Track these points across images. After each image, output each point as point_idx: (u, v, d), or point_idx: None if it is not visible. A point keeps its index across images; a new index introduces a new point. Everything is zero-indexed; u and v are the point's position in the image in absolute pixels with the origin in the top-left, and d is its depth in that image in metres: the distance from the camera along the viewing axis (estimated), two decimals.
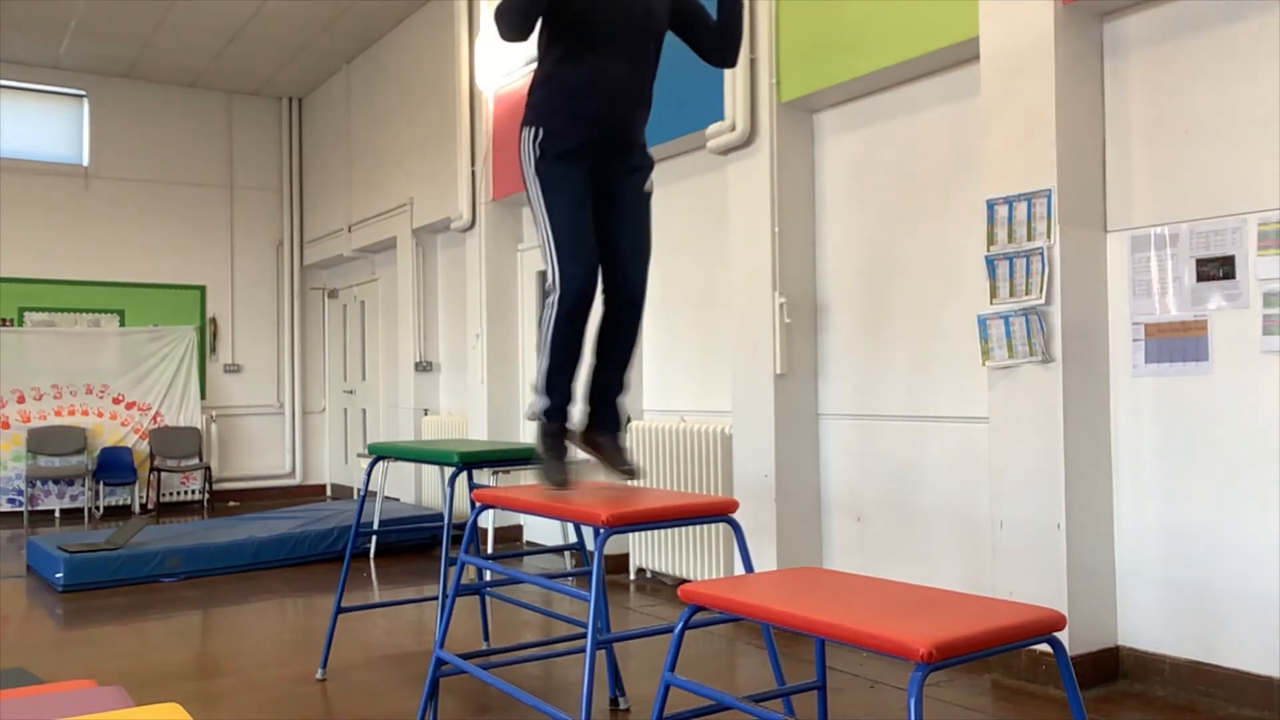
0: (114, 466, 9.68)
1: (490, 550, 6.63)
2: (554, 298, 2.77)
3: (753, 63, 4.95)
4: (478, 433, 7.44)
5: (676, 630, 2.14)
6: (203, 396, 10.37)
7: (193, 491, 10.20)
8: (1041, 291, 3.67)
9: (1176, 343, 3.59)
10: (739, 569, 2.88)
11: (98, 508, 9.56)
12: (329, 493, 10.89)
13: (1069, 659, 1.87)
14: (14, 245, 9.65)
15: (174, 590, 5.88)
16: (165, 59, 9.65)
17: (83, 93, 10.03)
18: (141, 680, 3.95)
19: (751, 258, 4.96)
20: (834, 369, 4.92)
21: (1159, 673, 3.61)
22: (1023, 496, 3.74)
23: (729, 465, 5.17)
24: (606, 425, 3.00)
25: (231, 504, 10.14)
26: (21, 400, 9.55)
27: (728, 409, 5.21)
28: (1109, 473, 3.77)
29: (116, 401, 9.93)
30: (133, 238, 10.19)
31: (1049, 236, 3.67)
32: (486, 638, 4.38)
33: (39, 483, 9.46)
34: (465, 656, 3.19)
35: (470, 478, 4.01)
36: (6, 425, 9.46)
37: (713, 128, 5.10)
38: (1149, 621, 3.66)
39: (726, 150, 5.11)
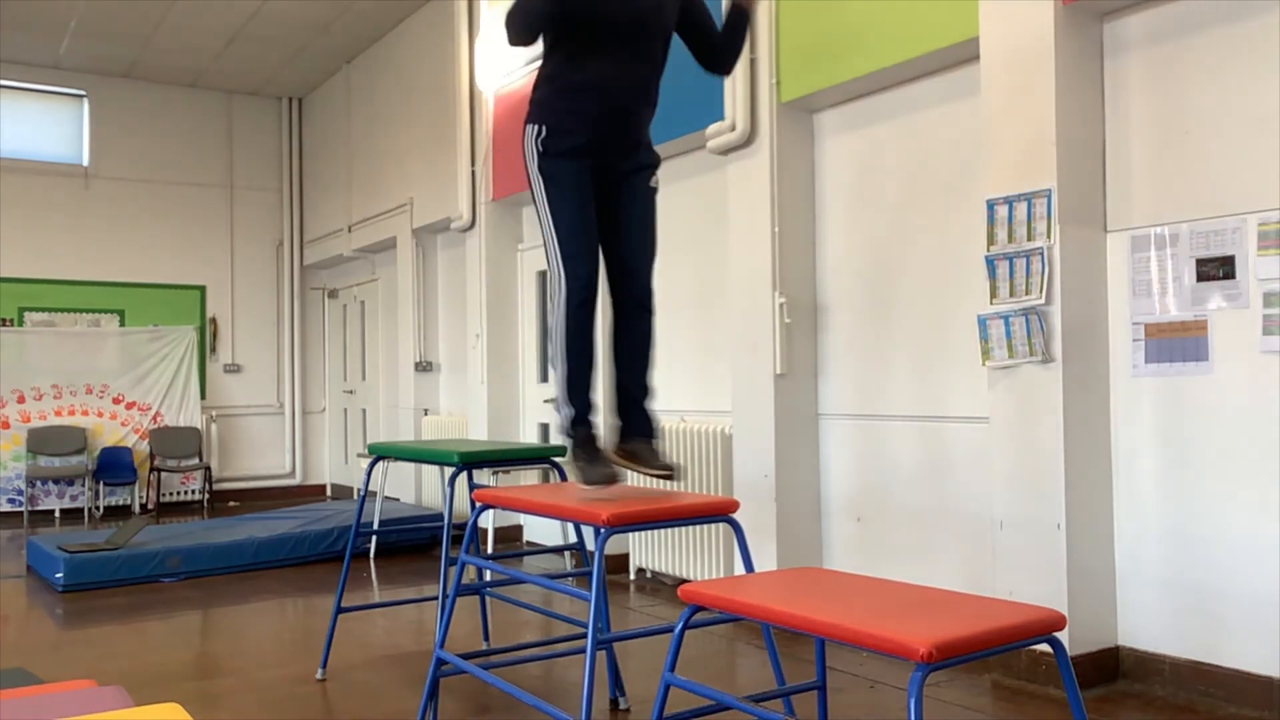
0: (114, 466, 9.68)
1: (490, 550, 6.64)
2: (559, 298, 2.76)
3: (753, 63, 4.95)
4: (478, 433, 7.44)
5: (676, 630, 2.14)
6: (203, 396, 10.37)
7: (193, 491, 10.20)
8: (1041, 291, 3.67)
9: (1176, 343, 3.59)
10: (739, 569, 2.88)
11: (98, 508, 9.56)
12: (329, 493, 10.89)
13: (1069, 659, 1.87)
14: (14, 245, 9.65)
15: (174, 590, 5.88)
16: (165, 59, 9.65)
17: (83, 93, 10.03)
18: (141, 680, 3.95)
19: (751, 258, 4.97)
20: (834, 369, 4.92)
21: (1159, 673, 3.61)
22: (1023, 496, 3.74)
23: (729, 465, 5.17)
24: (637, 431, 2.92)
25: (231, 504, 10.14)
26: (21, 400, 9.55)
27: (728, 409, 5.21)
28: (1109, 473, 3.77)
29: (116, 401, 9.93)
30: (133, 238, 10.19)
31: (1049, 236, 3.67)
32: (486, 638, 4.38)
33: (39, 483, 9.47)
34: (465, 656, 3.19)
35: (470, 478, 4.01)
36: (6, 425, 9.46)
37: (713, 128, 5.10)
38: (1149, 621, 3.66)
39: (726, 150, 5.11)
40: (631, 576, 5.89)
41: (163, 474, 9.93)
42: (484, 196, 7.42)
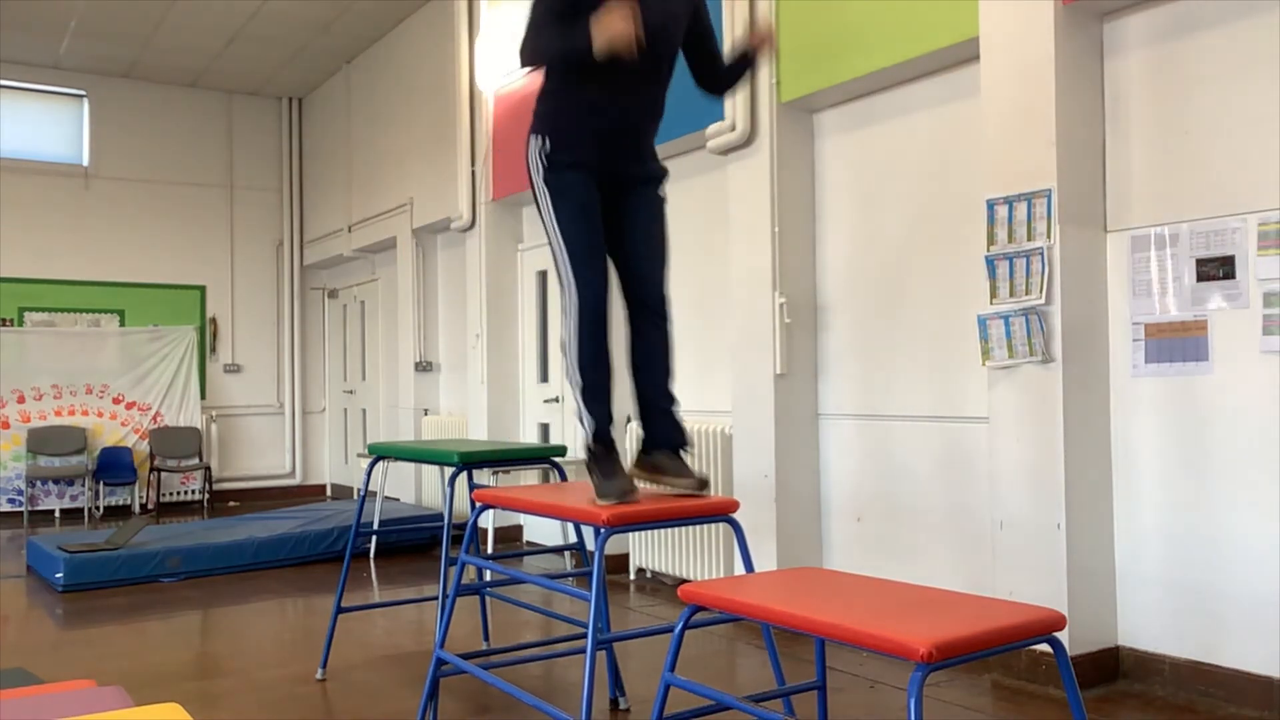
0: (114, 466, 9.68)
1: (490, 550, 6.64)
2: (572, 311, 2.72)
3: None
4: (478, 433, 7.44)
5: (676, 630, 2.14)
6: (203, 396, 10.37)
7: (193, 491, 10.20)
8: (1041, 291, 3.67)
9: (1176, 343, 3.59)
10: (739, 569, 2.88)
11: (98, 508, 9.56)
12: (329, 493, 10.89)
13: (1069, 659, 1.87)
14: (14, 245, 9.65)
15: (174, 590, 5.88)
16: (165, 59, 9.65)
17: (83, 93, 10.03)
18: (141, 680, 3.95)
19: (751, 258, 4.97)
20: (834, 369, 4.92)
21: (1159, 673, 3.61)
22: (1023, 496, 3.74)
23: (729, 465, 5.17)
24: (662, 442, 2.86)
25: (231, 504, 10.14)
26: (21, 400, 9.55)
27: (728, 409, 5.21)
28: (1109, 473, 3.77)
29: (116, 401, 9.93)
30: (133, 238, 10.19)
31: (1049, 236, 3.67)
32: (486, 638, 4.38)
33: (39, 483, 9.46)
34: (465, 656, 3.19)
35: (470, 478, 4.01)
36: (6, 425, 9.46)
37: (713, 128, 5.10)
38: (1149, 621, 3.66)
39: (726, 150, 5.11)
40: (631, 576, 5.89)
41: (163, 474, 9.93)
42: (484, 196, 7.42)
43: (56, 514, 9.47)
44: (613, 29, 2.50)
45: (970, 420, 4.24)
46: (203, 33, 8.97)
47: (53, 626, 5.03)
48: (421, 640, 4.65)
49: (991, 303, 3.84)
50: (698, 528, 5.31)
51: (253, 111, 10.84)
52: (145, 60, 9.68)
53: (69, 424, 9.66)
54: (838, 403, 4.90)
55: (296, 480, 10.90)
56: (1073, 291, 3.68)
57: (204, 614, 5.32)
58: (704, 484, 2.76)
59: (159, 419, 10.09)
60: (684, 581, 5.42)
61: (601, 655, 3.56)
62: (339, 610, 4.08)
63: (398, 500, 8.44)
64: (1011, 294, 3.77)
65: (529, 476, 6.22)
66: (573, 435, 6.85)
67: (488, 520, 6.74)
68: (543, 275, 7.28)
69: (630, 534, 4.96)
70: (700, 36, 2.98)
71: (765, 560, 4.78)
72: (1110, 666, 3.71)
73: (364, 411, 10.15)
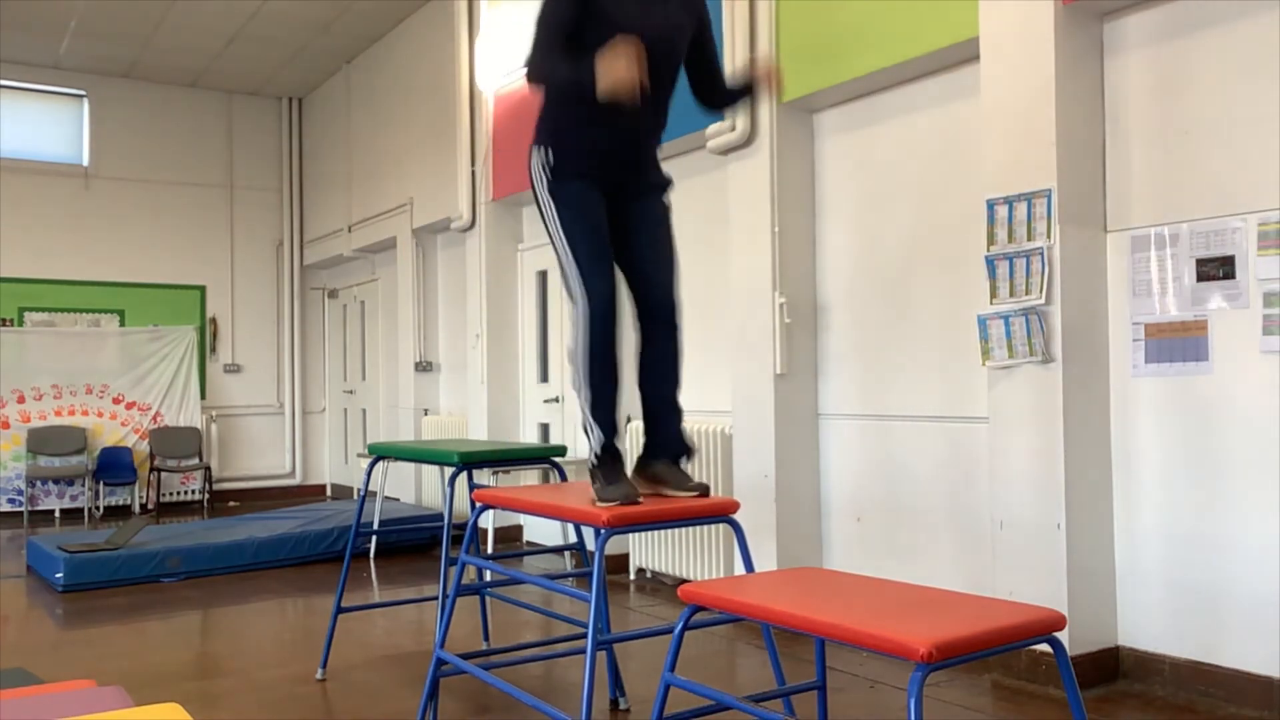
0: (114, 466, 9.68)
1: (490, 550, 6.64)
2: (581, 319, 2.70)
3: (753, 63, 4.94)
4: (478, 433, 7.44)
5: (676, 630, 2.14)
6: (203, 396, 10.37)
7: (193, 491, 10.20)
8: (1041, 291, 3.67)
9: (1176, 343, 3.59)
10: (739, 569, 2.88)
11: (98, 508, 9.56)
12: (329, 493, 10.89)
13: (1069, 659, 1.87)
14: (14, 245, 9.65)
15: (174, 590, 5.88)
16: (165, 59, 9.65)
17: (83, 93, 10.03)
18: (141, 680, 3.95)
19: (751, 258, 4.97)
20: (834, 369, 4.92)
21: (1159, 673, 3.61)
22: (1023, 496, 3.74)
23: (729, 465, 5.17)
24: (664, 452, 2.85)
25: (231, 504, 10.14)
26: (21, 400, 9.55)
27: (728, 409, 5.21)
28: (1109, 473, 3.77)
29: (116, 401, 9.93)
30: (133, 238, 10.19)
31: (1049, 236, 3.67)
32: (486, 638, 4.38)
33: (39, 483, 9.46)
34: (465, 656, 3.19)
35: (470, 478, 4.00)
36: (6, 425, 9.46)
37: (713, 128, 5.10)
38: (1149, 621, 3.66)
39: (726, 150, 5.11)
40: (631, 576, 5.89)
41: (163, 474, 9.93)
42: (484, 196, 7.42)
43: (56, 514, 9.47)
44: (616, 74, 2.49)
45: (970, 420, 4.24)
46: (203, 33, 8.97)
47: (53, 626, 5.03)
48: (421, 640, 4.65)
49: (991, 303, 3.84)
50: (698, 528, 5.31)
51: (253, 111, 10.84)
52: (145, 60, 9.68)
53: (69, 424, 9.66)
54: (838, 403, 4.90)
55: (296, 480, 10.90)
56: (1073, 291, 3.68)
57: (204, 614, 5.32)
58: (705, 492, 2.76)
59: (159, 419, 10.09)
60: (684, 581, 5.42)
61: (601, 655, 3.55)
62: (339, 610, 4.08)
63: (398, 500, 8.44)
64: (1011, 294, 3.77)
65: (529, 476, 6.22)
66: (573, 435, 6.85)
67: (488, 520, 6.74)
68: (543, 275, 7.28)
69: (630, 534, 4.96)
70: (702, 50, 2.97)
71: (765, 560, 4.78)
72: (1110, 666, 3.71)
73: (364, 411, 10.15)
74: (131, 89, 10.20)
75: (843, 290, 4.89)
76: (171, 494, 10.10)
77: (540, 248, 7.08)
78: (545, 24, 2.71)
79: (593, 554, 2.62)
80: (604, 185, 2.80)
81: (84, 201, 9.99)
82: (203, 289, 10.55)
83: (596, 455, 2.77)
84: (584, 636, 2.53)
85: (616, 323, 2.75)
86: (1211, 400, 3.50)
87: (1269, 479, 3.34)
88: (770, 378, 4.86)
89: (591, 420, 2.77)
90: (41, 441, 9.48)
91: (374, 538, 6.90)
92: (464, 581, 4.11)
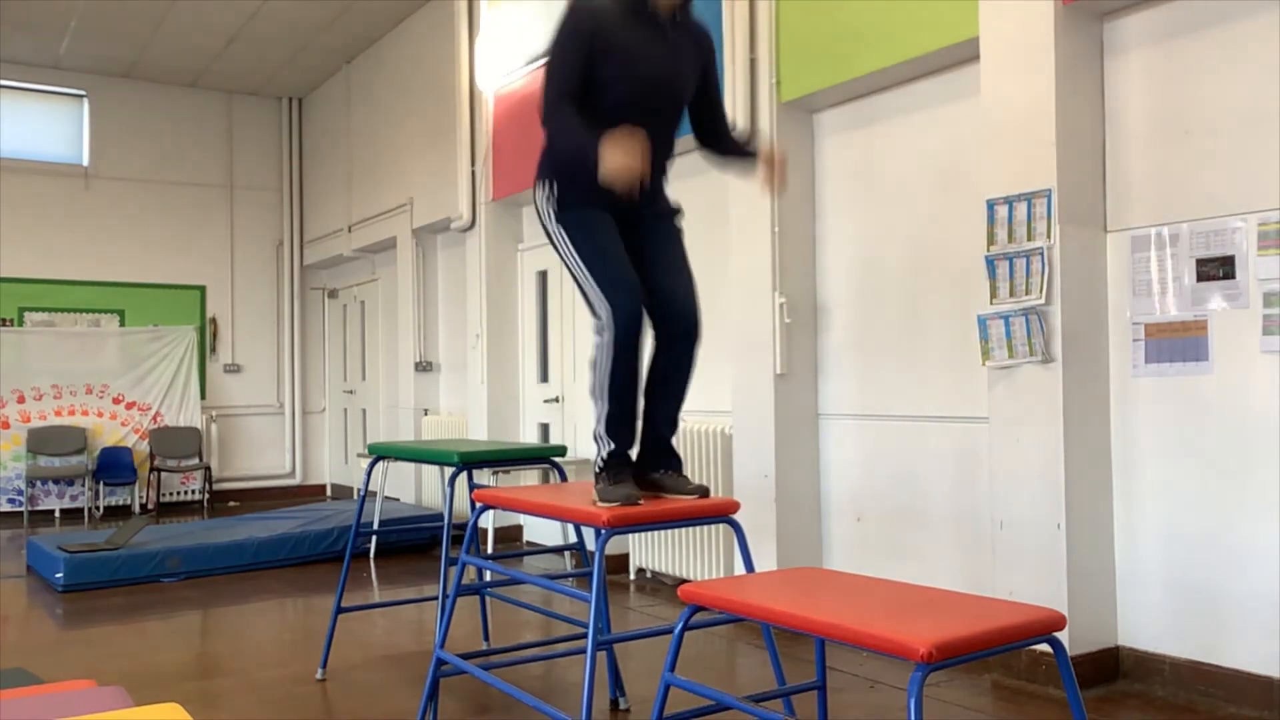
0: (114, 466, 9.68)
1: (490, 550, 6.64)
2: (607, 335, 2.66)
3: (753, 63, 4.95)
4: (478, 433, 7.44)
5: (676, 630, 2.14)
6: (203, 396, 10.36)
7: (193, 491, 10.20)
8: (1041, 291, 3.67)
9: (1176, 343, 3.59)
10: (739, 569, 2.88)
11: (98, 508, 9.55)
12: (329, 493, 10.89)
13: (1069, 659, 1.87)
14: (14, 245, 9.65)
15: (174, 590, 5.88)
16: (165, 59, 9.65)
17: (83, 93, 10.03)
18: (141, 680, 3.95)
19: (751, 258, 4.97)
20: (834, 369, 4.92)
21: (1159, 673, 3.61)
22: (1023, 496, 3.74)
23: (729, 465, 5.17)
24: (662, 465, 2.86)
25: (231, 504, 10.14)
26: (21, 400, 9.55)
27: (728, 409, 5.21)
28: (1109, 473, 3.77)
29: (116, 401, 9.93)
30: (133, 238, 10.19)
31: (1049, 236, 3.67)
32: (486, 638, 4.38)
33: (39, 483, 9.46)
34: (465, 656, 3.19)
35: (470, 478, 4.01)
36: (6, 425, 9.46)
37: None
38: (1149, 621, 3.66)
39: None
40: (631, 576, 5.89)
41: (163, 474, 9.93)
42: (484, 196, 7.42)
43: (56, 514, 9.47)
44: (618, 164, 2.49)
45: (970, 420, 4.24)
46: (203, 33, 8.97)
47: (53, 626, 5.03)
48: (421, 640, 4.65)
49: (991, 303, 3.84)
50: (698, 528, 5.31)
51: (253, 111, 10.84)
52: (145, 60, 9.68)
53: (69, 424, 9.66)
54: (838, 403, 4.90)
55: (296, 480, 10.90)
56: (1073, 291, 3.68)
57: (204, 614, 5.32)
58: (704, 495, 2.75)
59: (159, 419, 10.09)
60: (684, 581, 5.42)
61: (601, 655, 3.55)
62: (339, 610, 4.08)
63: (398, 500, 8.44)
64: (1011, 294, 3.77)
65: (529, 476, 6.22)
66: (573, 435, 6.85)
67: (488, 520, 6.74)
68: (543, 275, 7.27)
69: (630, 535, 4.96)
70: (706, 96, 2.96)
71: (765, 560, 4.78)
72: (1110, 666, 3.71)
73: (364, 411, 10.15)
74: (131, 89, 10.20)
75: (843, 290, 4.89)
76: (171, 494, 10.10)
77: (540, 248, 7.08)
78: (554, 69, 2.70)
79: (593, 554, 2.62)
80: (612, 211, 2.78)
81: (84, 201, 9.99)
82: (203, 289, 10.55)
83: (603, 459, 2.76)
84: (584, 636, 2.53)
85: (642, 333, 2.73)
86: (1211, 400, 3.50)
87: (1269, 479, 3.34)
88: (770, 378, 4.86)
89: (605, 434, 2.75)
90: (41, 441, 9.48)
91: (374, 538, 6.90)
92: (464, 581, 4.11)
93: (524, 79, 7.00)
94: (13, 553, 7.36)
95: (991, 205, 3.86)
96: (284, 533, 6.67)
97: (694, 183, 5.65)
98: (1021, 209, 3.75)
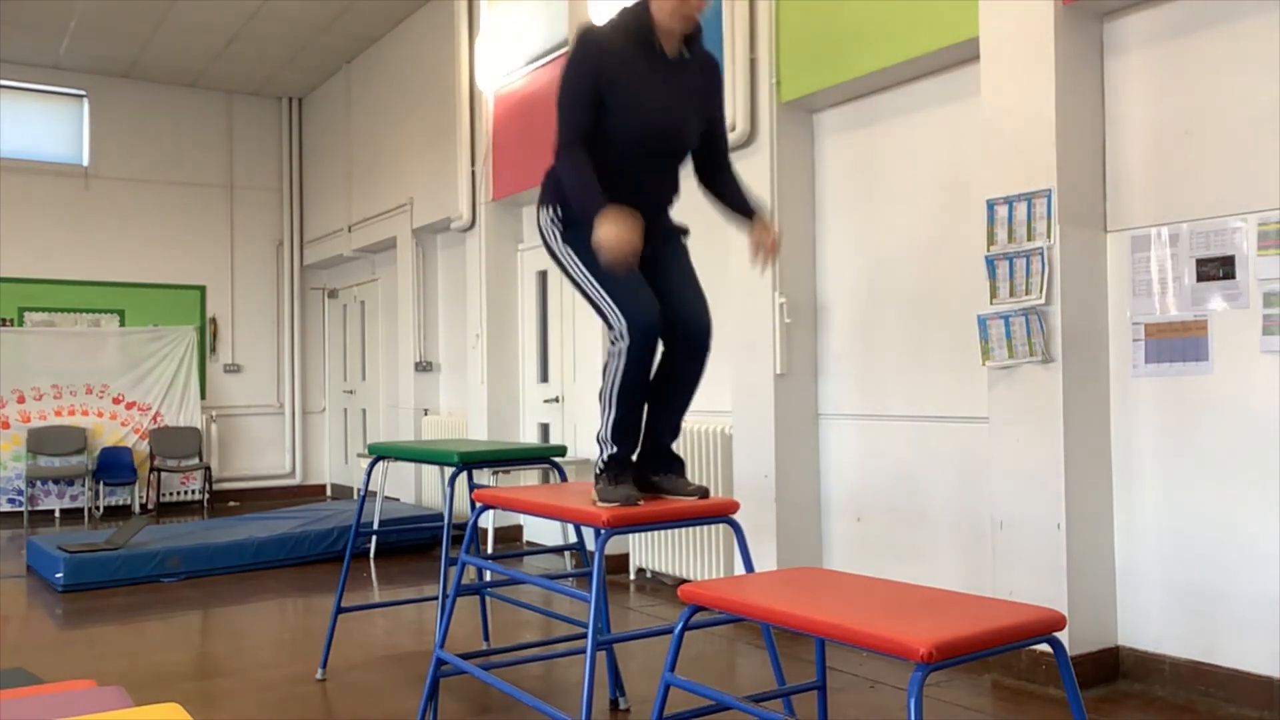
0: (114, 466, 9.68)
1: (490, 550, 6.64)
2: (622, 345, 2.65)
3: (753, 63, 4.95)
4: (478, 433, 7.44)
5: (676, 630, 2.14)
6: (203, 396, 10.37)
7: (193, 491, 10.20)
8: (1041, 291, 3.67)
9: (1176, 343, 3.59)
10: (739, 569, 2.88)
11: (98, 508, 9.56)
12: (329, 493, 10.89)
13: (1069, 659, 1.87)
14: (14, 245, 9.65)
15: (174, 590, 5.88)
16: (165, 59, 9.65)
17: (83, 93, 10.03)
18: (141, 680, 3.95)
19: None
20: (834, 369, 4.92)
21: (1159, 673, 3.61)
22: (1023, 496, 3.74)
23: (729, 465, 5.17)
24: (660, 467, 2.86)
25: (231, 504, 10.14)
26: (21, 400, 9.55)
27: (728, 409, 5.21)
28: (1109, 473, 3.77)
29: (116, 401, 9.93)
30: (133, 238, 10.19)
31: (1049, 236, 3.67)
32: (487, 638, 4.38)
33: (39, 483, 9.46)
34: (465, 656, 3.19)
35: (470, 478, 4.01)
36: (6, 425, 9.46)
37: None
38: (1149, 621, 3.66)
39: None
40: (631, 576, 5.89)
41: (163, 474, 9.93)
42: (484, 196, 7.41)
43: (56, 514, 9.47)
44: (612, 240, 2.52)
45: (970, 420, 4.24)
46: (203, 33, 8.97)
47: (53, 626, 5.03)
48: (421, 640, 4.65)
49: (991, 303, 3.84)
50: (698, 528, 5.31)
51: (253, 111, 10.84)
52: (145, 60, 9.68)
53: (69, 424, 9.66)
54: (838, 403, 4.90)
55: (296, 480, 10.90)
56: (1073, 291, 3.68)
57: (204, 614, 5.32)
58: (704, 495, 2.75)
59: (159, 419, 10.09)
60: (684, 581, 5.42)
61: (601, 655, 3.55)
62: (339, 610, 4.08)
63: (398, 500, 8.44)
64: (1011, 294, 3.77)
65: (529, 476, 6.22)
66: (573, 435, 6.85)
67: (488, 520, 6.74)
68: (543, 275, 7.27)
69: (630, 535, 4.96)
70: (711, 141, 2.96)
71: (765, 560, 4.78)
72: (1110, 666, 3.71)
73: (364, 411, 10.15)
74: (131, 89, 10.20)
75: (843, 290, 4.89)
76: (171, 494, 10.10)
77: (541, 248, 7.07)
78: (565, 104, 2.69)
79: (592, 554, 2.62)
80: None
81: (84, 201, 9.99)
82: (203, 289, 10.55)
83: (604, 461, 2.76)
84: (584, 636, 2.53)
85: (657, 343, 2.72)
86: (1211, 400, 3.50)
87: (1269, 479, 3.34)
88: (770, 378, 4.86)
89: (610, 438, 2.75)
90: (41, 441, 9.48)
91: (374, 538, 6.90)
92: (464, 581, 4.11)
93: (524, 79, 7.00)
94: (13, 553, 7.36)
95: (991, 205, 3.86)
96: (284, 533, 6.67)
97: (694, 183, 5.65)
98: (1021, 209, 3.75)
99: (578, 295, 2.88)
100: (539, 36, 6.91)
